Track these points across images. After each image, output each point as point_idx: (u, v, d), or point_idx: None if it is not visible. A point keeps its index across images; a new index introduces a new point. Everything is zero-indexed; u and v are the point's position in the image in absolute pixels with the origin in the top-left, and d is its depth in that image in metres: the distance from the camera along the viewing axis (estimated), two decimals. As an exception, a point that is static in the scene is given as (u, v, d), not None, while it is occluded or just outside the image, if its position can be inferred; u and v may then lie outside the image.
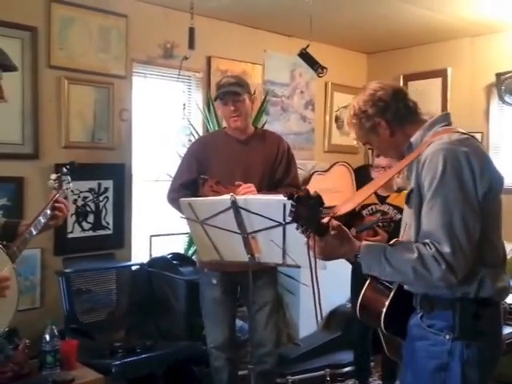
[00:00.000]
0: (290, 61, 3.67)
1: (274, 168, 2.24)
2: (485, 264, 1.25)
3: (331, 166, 3.85)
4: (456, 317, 1.24)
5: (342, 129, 4.15)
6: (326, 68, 3.03)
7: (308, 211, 1.19)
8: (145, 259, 2.96)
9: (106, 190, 2.86)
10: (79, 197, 2.76)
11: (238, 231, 1.70)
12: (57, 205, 1.60)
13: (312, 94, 3.91)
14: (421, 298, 1.31)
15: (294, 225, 1.52)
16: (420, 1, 2.97)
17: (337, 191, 3.57)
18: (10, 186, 2.49)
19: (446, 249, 1.17)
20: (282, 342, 3.01)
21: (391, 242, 1.47)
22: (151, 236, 3.07)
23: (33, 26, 2.57)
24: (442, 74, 3.79)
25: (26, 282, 2.53)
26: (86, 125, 2.77)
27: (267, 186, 2.20)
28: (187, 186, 2.19)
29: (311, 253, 1.30)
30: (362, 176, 3.68)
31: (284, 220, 1.59)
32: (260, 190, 2.08)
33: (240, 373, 2.36)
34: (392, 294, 1.39)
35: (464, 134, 1.30)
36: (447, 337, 1.25)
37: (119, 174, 2.90)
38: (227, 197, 1.68)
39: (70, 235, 2.73)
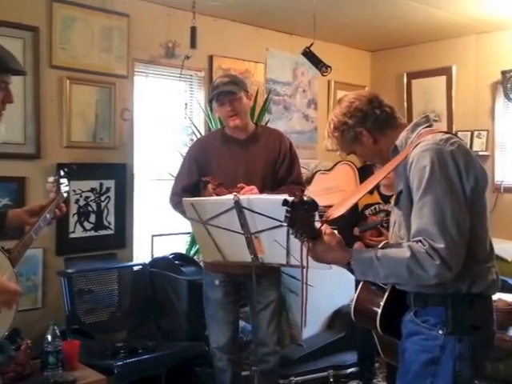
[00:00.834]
0: (292, 59, 3.65)
1: (277, 166, 2.21)
2: (475, 260, 1.27)
3: (334, 165, 3.82)
4: (449, 312, 1.27)
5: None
6: (330, 67, 3.01)
7: (303, 216, 1.21)
8: (147, 259, 2.96)
9: (108, 189, 2.85)
10: (81, 197, 2.75)
11: (242, 231, 1.68)
12: (56, 211, 1.63)
13: (314, 92, 3.89)
14: (414, 295, 1.33)
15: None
16: (424, -2, 2.95)
17: (340, 190, 3.55)
18: (11, 186, 2.50)
19: (440, 244, 1.19)
20: (285, 343, 2.99)
21: (380, 245, 1.47)
22: (153, 236, 3.07)
23: (35, 26, 2.57)
24: (446, 71, 3.76)
25: (27, 282, 2.53)
26: (88, 124, 2.77)
27: (270, 184, 2.17)
28: (189, 189, 2.17)
29: (303, 256, 1.32)
30: (365, 174, 3.64)
31: (287, 220, 1.58)
32: (263, 190, 2.06)
33: (243, 373, 2.35)
34: (386, 294, 1.40)
35: (447, 133, 1.34)
36: (440, 332, 1.27)
37: (121, 174, 2.90)
38: (230, 197, 1.66)
39: (71, 235, 2.73)
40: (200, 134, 3.07)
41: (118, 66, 2.86)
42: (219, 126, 2.97)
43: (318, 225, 1.27)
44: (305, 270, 1.34)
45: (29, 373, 2.15)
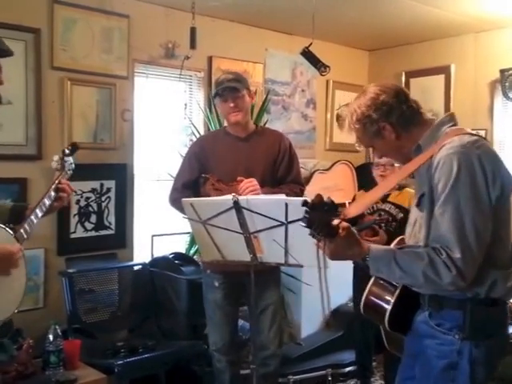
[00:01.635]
0: (291, 59, 3.66)
1: (276, 166, 2.23)
2: (496, 266, 1.26)
3: (333, 165, 3.84)
4: (466, 317, 1.25)
5: (344, 127, 4.15)
6: (328, 66, 3.02)
7: (321, 217, 1.20)
8: (147, 259, 2.97)
9: (109, 190, 2.87)
10: (82, 197, 2.77)
11: (241, 231, 1.69)
12: (60, 186, 1.62)
13: (313, 92, 3.90)
14: (429, 297, 1.32)
15: (296, 224, 1.55)
16: (422, -3, 2.96)
17: (338, 189, 3.57)
18: (13, 187, 2.51)
19: (457, 254, 1.18)
20: (283, 342, 3.00)
21: (395, 242, 1.47)
22: (153, 236, 3.08)
23: (36, 28, 2.58)
24: (445, 70, 3.77)
25: (29, 282, 2.50)
26: (89, 125, 2.79)
27: (270, 183, 2.18)
28: (189, 185, 2.19)
29: (320, 254, 1.31)
30: (363, 174, 3.67)
31: (286, 219, 1.59)
32: (262, 187, 2.07)
33: (242, 372, 2.36)
34: (397, 292, 1.40)
35: (474, 135, 1.31)
36: (456, 336, 1.26)
37: (121, 174, 2.91)
38: (229, 197, 1.67)
39: (72, 235, 2.74)
40: (199, 134, 3.08)
41: (118, 66, 2.87)
42: (218, 127, 3.00)
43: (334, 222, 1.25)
44: (322, 266, 1.34)
45: (30, 372, 2.16)
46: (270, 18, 3.33)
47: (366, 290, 1.51)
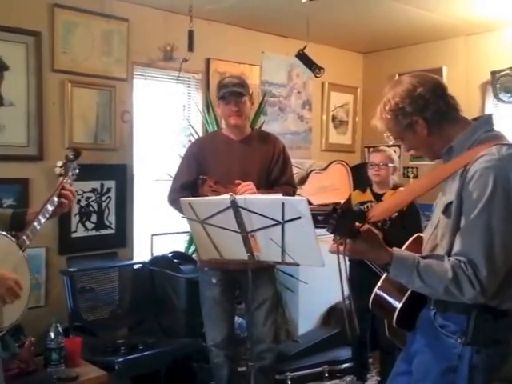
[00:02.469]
0: (287, 62, 3.71)
1: (271, 167, 2.28)
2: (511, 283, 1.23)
3: (328, 165, 3.90)
4: (470, 323, 1.24)
5: (339, 128, 4.20)
6: (323, 68, 3.07)
7: (347, 224, 1.20)
8: (146, 258, 3.00)
9: (109, 190, 2.90)
10: (82, 197, 2.80)
11: (238, 230, 1.71)
12: (63, 192, 1.61)
13: (309, 94, 3.95)
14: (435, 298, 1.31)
15: (293, 223, 1.59)
16: (414, 0, 3.00)
17: (334, 189, 3.63)
18: (15, 187, 2.54)
19: (484, 273, 1.16)
20: (281, 339, 3.04)
21: (411, 240, 1.44)
22: (153, 235, 3.11)
23: (37, 31, 2.61)
24: (437, 72, 3.75)
25: (31, 280, 2.55)
26: (89, 126, 2.82)
27: (264, 185, 2.23)
28: (187, 186, 2.23)
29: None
30: (358, 174, 3.72)
31: (283, 219, 1.61)
32: (258, 189, 2.12)
33: (240, 369, 2.39)
34: (408, 293, 1.38)
35: (511, 145, 1.25)
36: (459, 340, 1.25)
37: (121, 175, 2.95)
38: (227, 196, 1.69)
39: (73, 235, 2.77)
40: (198, 135, 3.12)
41: (117, 69, 2.91)
42: (216, 128, 3.04)
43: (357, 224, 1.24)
44: (342, 267, 1.29)
45: (32, 369, 2.18)
46: (266, 21, 3.37)
47: (378, 285, 1.48)
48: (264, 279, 2.23)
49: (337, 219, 1.18)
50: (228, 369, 2.30)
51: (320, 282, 3.13)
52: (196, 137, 3.04)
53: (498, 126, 1.35)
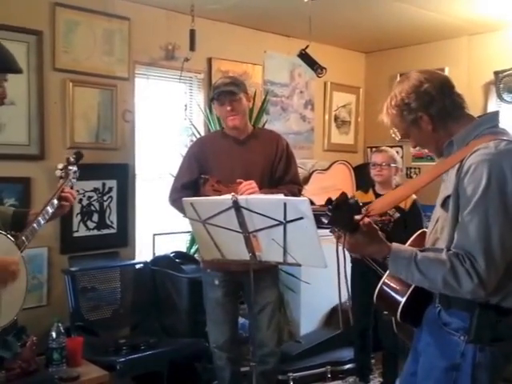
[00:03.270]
0: (289, 61, 3.70)
1: (274, 166, 2.25)
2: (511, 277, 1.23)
3: (331, 165, 3.89)
4: (473, 320, 1.24)
5: (341, 128, 4.19)
6: (325, 68, 3.06)
7: (343, 216, 1.20)
8: (148, 258, 3.00)
9: (110, 189, 2.90)
10: (84, 196, 2.80)
11: (240, 230, 1.71)
12: (63, 194, 1.62)
13: (311, 93, 3.94)
14: (440, 294, 1.31)
15: (295, 224, 1.59)
16: (417, 0, 2.99)
17: (336, 189, 3.61)
18: (17, 187, 2.54)
19: (481, 264, 1.16)
20: (283, 340, 3.04)
21: (416, 235, 1.46)
22: (154, 235, 3.11)
23: (38, 30, 2.61)
24: (440, 73, 3.81)
25: (33, 280, 2.57)
26: (91, 126, 2.82)
27: (268, 184, 2.21)
28: (189, 186, 2.22)
29: (340, 248, 1.29)
30: (361, 174, 3.71)
31: (285, 219, 1.61)
32: (261, 188, 2.10)
33: (242, 369, 2.38)
34: (412, 287, 1.39)
35: (511, 141, 1.24)
36: (462, 338, 1.25)
37: (123, 174, 2.94)
38: (229, 196, 1.69)
39: (75, 234, 2.77)
40: (199, 134, 3.11)
41: (119, 68, 2.90)
42: (218, 127, 3.03)
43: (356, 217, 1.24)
44: (341, 262, 1.29)
45: (34, 369, 2.18)
46: (268, 20, 3.37)
47: (382, 281, 1.49)
48: (267, 281, 2.22)
49: (332, 210, 1.19)
50: (230, 371, 2.29)
51: (322, 282, 3.12)
52: (198, 136, 3.03)
53: (501, 126, 1.33)
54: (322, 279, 3.05)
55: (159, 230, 3.13)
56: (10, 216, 1.60)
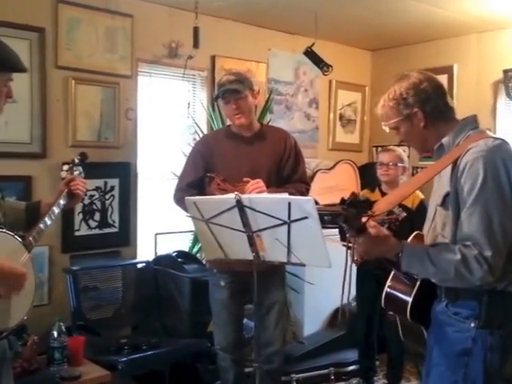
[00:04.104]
0: (294, 59, 3.67)
1: (282, 165, 2.21)
2: None
3: (335, 164, 3.85)
4: (482, 307, 1.32)
5: (346, 127, 4.15)
6: (331, 66, 3.04)
7: (354, 213, 1.27)
8: (150, 257, 2.98)
9: (112, 188, 2.89)
10: (86, 195, 2.78)
11: (243, 230, 1.69)
12: (73, 188, 1.62)
13: (316, 92, 3.91)
14: (445, 288, 1.38)
15: (300, 223, 1.56)
16: (425, -3, 2.96)
17: (340, 189, 3.58)
18: (18, 185, 2.52)
19: (488, 252, 1.26)
20: (286, 340, 3.02)
21: (411, 237, 1.52)
22: (156, 234, 3.09)
23: (40, 27, 2.60)
24: (448, 70, 3.76)
25: (35, 280, 2.56)
26: (93, 124, 2.80)
27: (275, 183, 2.17)
28: (194, 185, 2.18)
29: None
30: (366, 174, 3.67)
31: (289, 218, 1.59)
32: (268, 187, 2.06)
33: (246, 370, 2.37)
34: (417, 285, 1.46)
35: (497, 138, 1.37)
36: (472, 324, 1.33)
37: (125, 173, 2.93)
38: (232, 196, 1.67)
39: (77, 233, 2.76)
40: (202, 133, 3.09)
41: (122, 66, 2.89)
42: (221, 126, 3.01)
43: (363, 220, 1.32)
44: (349, 264, 1.37)
45: (35, 368, 2.18)
46: (272, 17, 3.34)
47: (386, 285, 1.55)
48: (274, 282, 2.20)
49: (346, 209, 1.26)
50: (234, 373, 2.28)
51: (326, 283, 3.09)
52: (201, 135, 3.01)
53: (510, 124, 1.39)
54: (325, 280, 3.02)
55: (161, 229, 3.12)
56: (24, 211, 1.60)
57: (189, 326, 2.67)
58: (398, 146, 2.74)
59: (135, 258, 2.96)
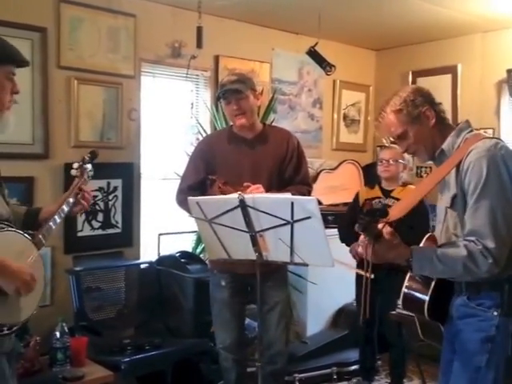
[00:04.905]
0: (297, 59, 3.66)
1: (284, 166, 2.20)
2: None
3: (339, 164, 3.84)
4: (504, 296, 1.41)
5: (350, 127, 4.14)
6: (334, 66, 3.02)
7: (371, 221, 1.36)
8: (153, 257, 2.98)
9: (115, 188, 2.88)
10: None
11: (246, 230, 1.69)
12: (80, 193, 1.63)
13: (320, 92, 3.89)
14: (466, 283, 1.46)
15: (303, 223, 1.56)
16: (429, -4, 2.95)
17: (344, 189, 3.57)
18: (20, 186, 2.52)
19: (491, 244, 1.35)
20: (289, 340, 3.01)
21: (424, 240, 1.57)
22: (159, 234, 3.09)
23: (43, 27, 2.60)
24: (452, 70, 3.75)
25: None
26: (95, 124, 2.80)
27: (277, 184, 2.16)
28: (195, 187, 2.17)
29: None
30: (370, 173, 3.66)
31: (292, 218, 1.59)
32: (269, 190, 2.05)
33: (248, 370, 2.36)
34: (433, 284, 1.51)
35: (492, 138, 1.48)
36: (495, 313, 1.41)
37: (128, 173, 2.93)
38: (235, 195, 1.67)
39: (79, 234, 2.76)
40: (206, 133, 3.08)
41: (124, 66, 2.88)
42: (225, 126, 3.00)
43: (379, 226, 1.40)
44: (369, 268, 1.42)
45: (37, 369, 2.18)
46: (276, 17, 3.33)
47: (404, 286, 1.60)
48: (277, 281, 2.19)
49: (363, 218, 1.36)
50: (236, 372, 2.27)
51: (329, 283, 3.09)
52: (204, 135, 2.99)
53: None
54: (329, 280, 3.03)
55: (164, 229, 3.12)
56: (22, 215, 1.60)
57: (192, 327, 2.66)
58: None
59: (138, 258, 2.96)
